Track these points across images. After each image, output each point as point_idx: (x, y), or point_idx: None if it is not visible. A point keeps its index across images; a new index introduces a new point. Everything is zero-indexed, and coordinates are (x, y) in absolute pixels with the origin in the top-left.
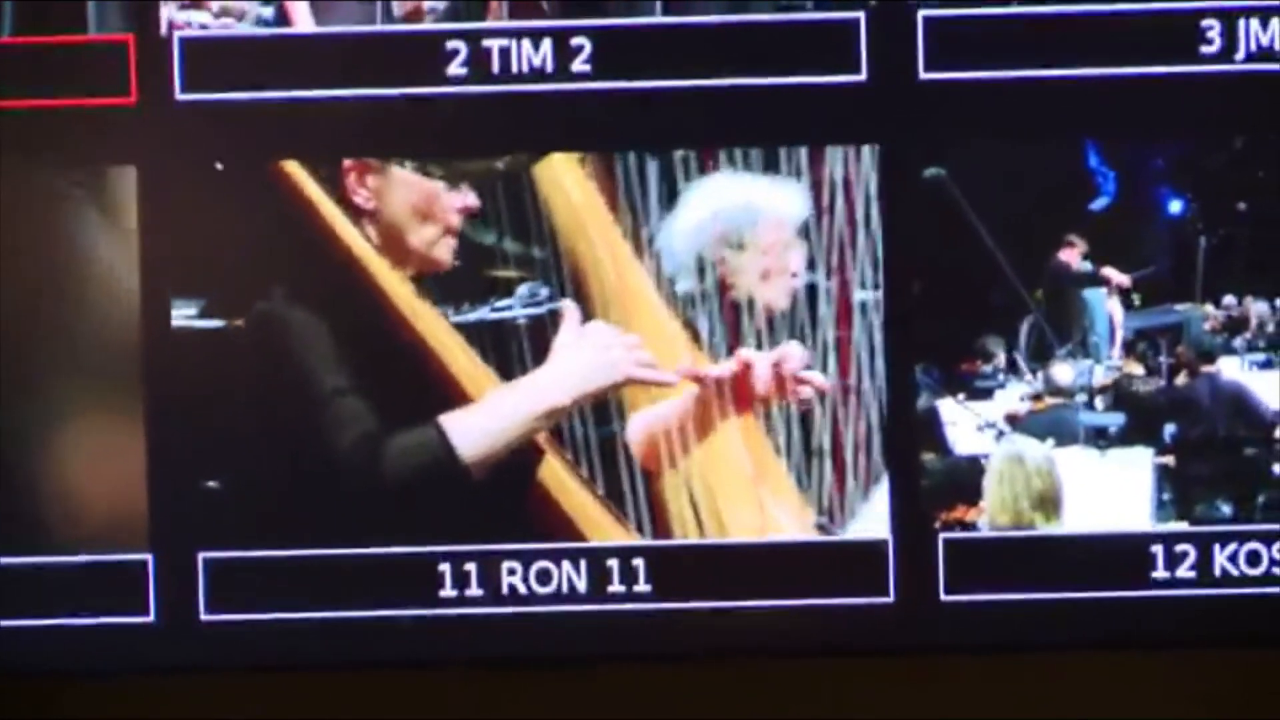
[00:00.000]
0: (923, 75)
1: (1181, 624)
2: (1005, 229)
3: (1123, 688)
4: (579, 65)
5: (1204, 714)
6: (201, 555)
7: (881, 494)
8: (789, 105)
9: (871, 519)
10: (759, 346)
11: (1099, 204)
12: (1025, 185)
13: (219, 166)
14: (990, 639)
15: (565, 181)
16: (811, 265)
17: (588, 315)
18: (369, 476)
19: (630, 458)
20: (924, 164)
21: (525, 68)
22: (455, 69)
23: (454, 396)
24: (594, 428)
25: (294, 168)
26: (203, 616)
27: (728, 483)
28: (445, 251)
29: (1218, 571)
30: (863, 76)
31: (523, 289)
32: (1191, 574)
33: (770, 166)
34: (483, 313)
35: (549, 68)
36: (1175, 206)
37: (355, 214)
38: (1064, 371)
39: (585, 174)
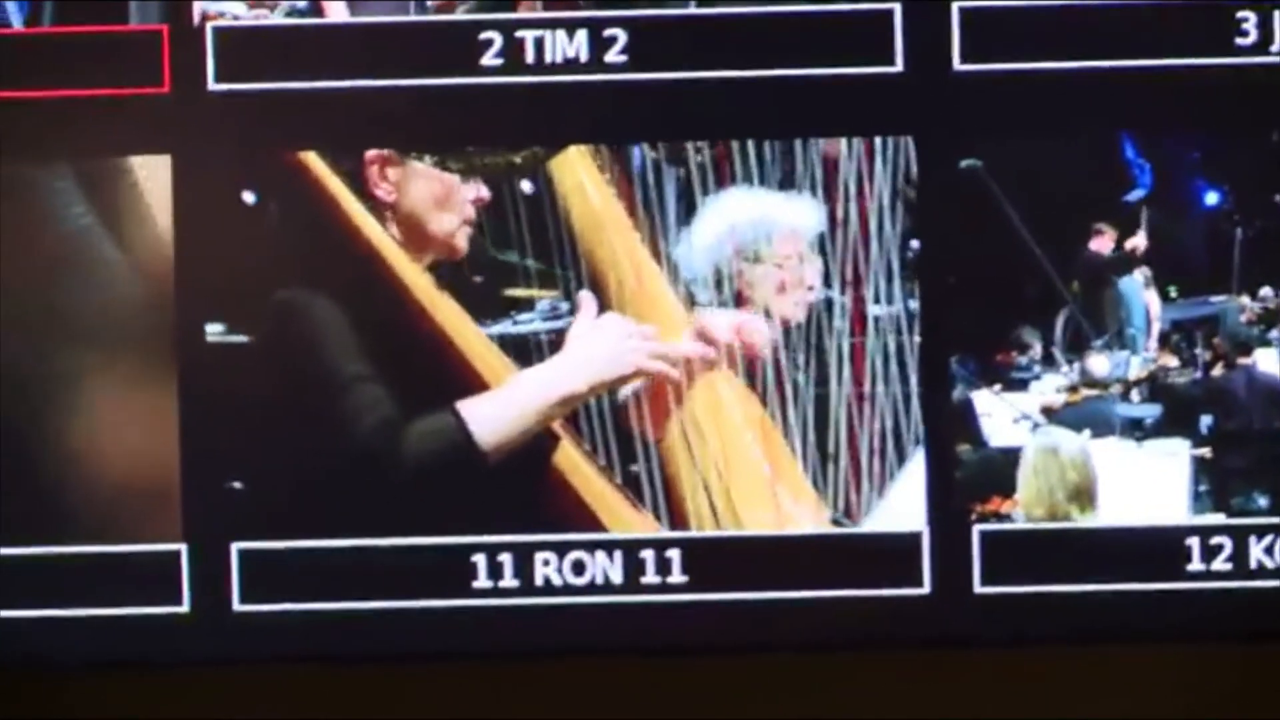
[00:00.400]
0: (958, 66)
1: (1217, 617)
2: (1040, 221)
3: (1159, 681)
4: (614, 56)
5: (1240, 707)
6: (235, 546)
7: (897, 493)
8: (824, 96)
9: (887, 517)
10: (775, 357)
11: (1134, 195)
12: (1061, 177)
13: (249, 199)
14: (1025, 631)
15: (585, 185)
16: (826, 278)
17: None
18: (388, 461)
19: (647, 446)
20: (959, 155)
21: (559, 59)
22: (490, 60)
23: (472, 384)
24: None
25: (315, 161)
26: (236, 607)
27: (744, 481)
28: (463, 240)
29: (1254, 564)
30: (898, 68)
31: (543, 303)
32: (1227, 566)
33: (786, 181)
34: (504, 326)
35: (583, 59)
36: (1211, 198)
37: (377, 206)
38: (1100, 363)
39: (605, 179)
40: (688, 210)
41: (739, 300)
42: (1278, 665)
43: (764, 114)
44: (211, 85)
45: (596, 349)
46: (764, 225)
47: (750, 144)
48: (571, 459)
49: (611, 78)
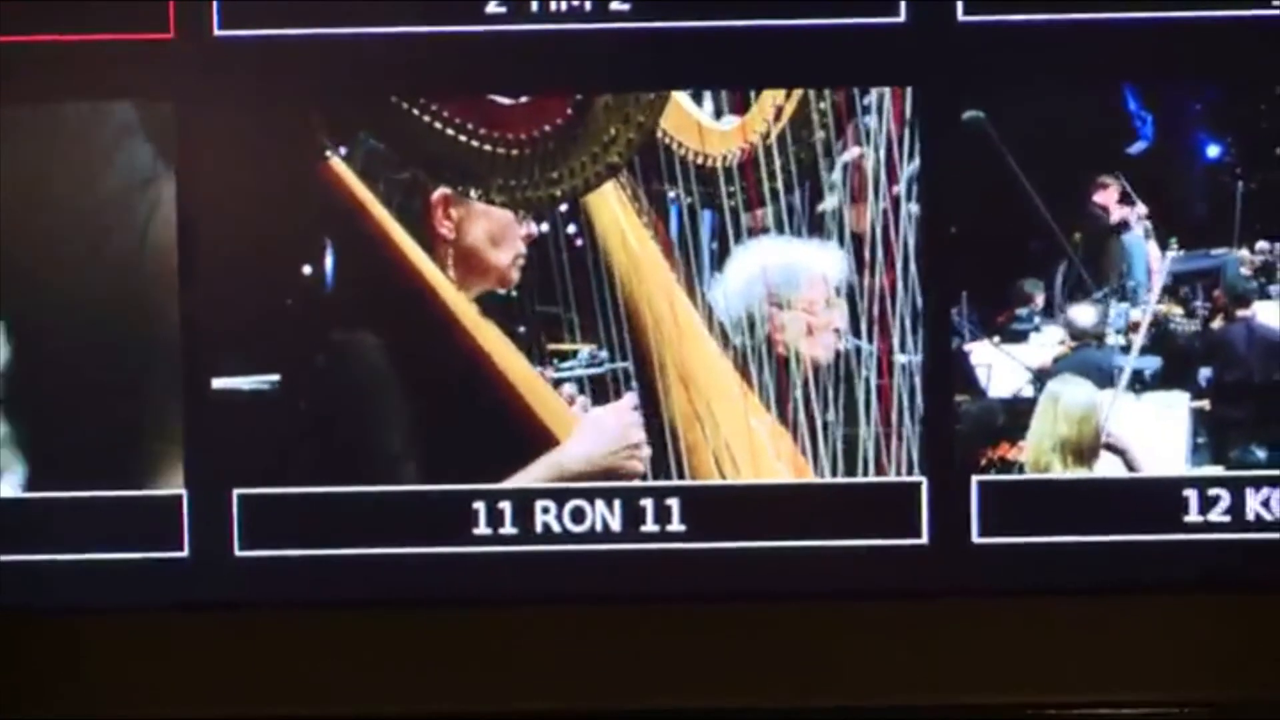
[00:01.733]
0: (962, 17)
1: (1214, 567)
2: (1043, 172)
3: (1155, 630)
4: (617, 4)
5: (1235, 656)
6: (236, 492)
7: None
8: (829, 46)
9: None
10: (805, 396)
11: (1137, 148)
12: (1064, 129)
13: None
14: (1022, 581)
15: (623, 229)
16: (855, 324)
17: (647, 362)
18: None
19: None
20: (963, 107)
21: (564, 7)
22: (494, 8)
23: (512, 406)
24: None
25: (374, 203)
26: (236, 553)
27: None
28: (515, 272)
29: (1251, 516)
30: (902, 18)
31: (584, 352)
32: (1225, 518)
33: (814, 229)
34: (547, 372)
35: (588, 8)
36: (1213, 151)
37: (436, 243)
38: (1085, 313)
39: (642, 223)
40: (721, 254)
41: (770, 342)
42: (1274, 615)
43: (767, 63)
44: (218, 31)
45: (600, 440)
46: (793, 271)
47: (782, 196)
48: None
49: (615, 26)
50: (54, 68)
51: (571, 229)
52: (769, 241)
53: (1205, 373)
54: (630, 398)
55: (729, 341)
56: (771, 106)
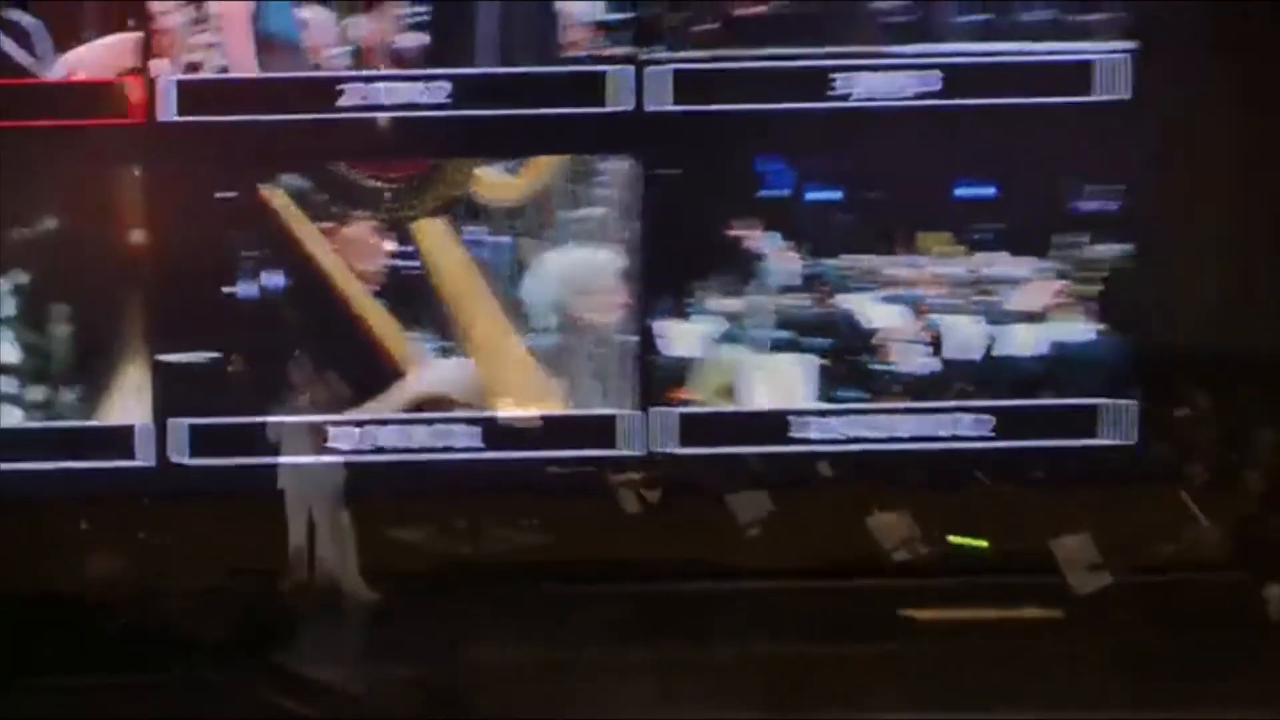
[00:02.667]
0: (663, 108)
1: (816, 472)
2: (704, 212)
3: (780, 515)
4: (441, 99)
5: (827, 533)
6: (182, 421)
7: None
8: (578, 127)
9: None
10: (575, 361)
11: (776, 193)
12: (730, 180)
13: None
14: (699, 480)
15: (444, 244)
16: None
17: (465, 341)
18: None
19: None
20: (662, 167)
21: (404, 100)
22: (354, 100)
23: (379, 351)
24: None
25: (298, 219)
26: (184, 461)
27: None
28: (380, 277)
29: (844, 436)
30: (630, 107)
31: (421, 336)
32: (827, 435)
33: (593, 238)
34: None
35: (420, 100)
36: (827, 195)
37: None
38: (734, 303)
39: (457, 242)
40: (519, 263)
41: (572, 320)
42: (861, 506)
43: (536, 139)
44: (169, 118)
45: (441, 376)
46: (585, 269)
47: (565, 223)
48: None
49: (440, 114)
50: (48, 147)
51: (412, 259)
52: (566, 251)
53: (819, 341)
54: (465, 360)
55: (536, 329)
56: (546, 165)
